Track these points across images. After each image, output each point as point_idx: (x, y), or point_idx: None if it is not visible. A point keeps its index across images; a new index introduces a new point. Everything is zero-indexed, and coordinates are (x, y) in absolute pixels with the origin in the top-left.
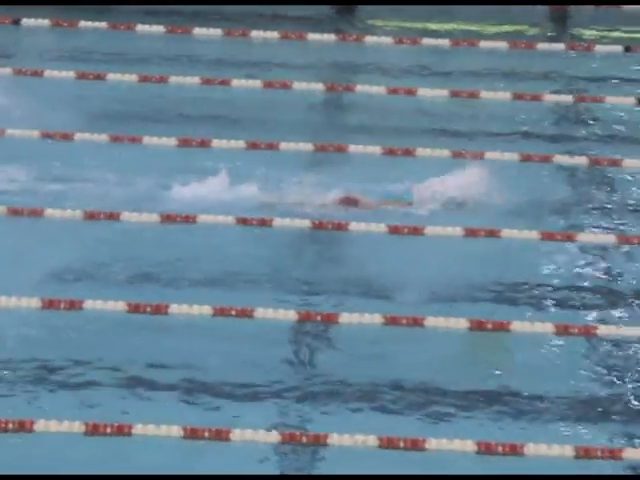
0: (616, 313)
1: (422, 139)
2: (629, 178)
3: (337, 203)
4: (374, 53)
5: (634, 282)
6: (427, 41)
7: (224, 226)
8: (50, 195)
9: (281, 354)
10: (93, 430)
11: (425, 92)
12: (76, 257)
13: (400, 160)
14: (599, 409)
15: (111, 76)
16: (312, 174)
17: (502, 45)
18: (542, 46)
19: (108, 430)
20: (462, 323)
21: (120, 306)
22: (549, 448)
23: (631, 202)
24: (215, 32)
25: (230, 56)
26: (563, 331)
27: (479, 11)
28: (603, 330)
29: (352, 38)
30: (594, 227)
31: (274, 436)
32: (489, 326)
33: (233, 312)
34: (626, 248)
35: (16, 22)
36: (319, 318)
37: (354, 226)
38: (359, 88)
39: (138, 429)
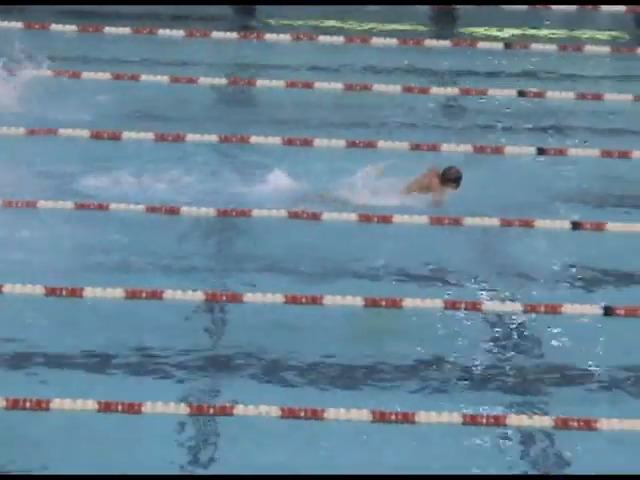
0: (501, 290)
1: (319, 130)
2: (510, 163)
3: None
4: (273, 50)
5: (514, 260)
6: (323, 38)
7: (135, 212)
8: None
9: (189, 332)
10: None
11: (321, 85)
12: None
13: (299, 149)
14: (484, 378)
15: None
16: (218, 164)
17: (392, 42)
18: (429, 43)
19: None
20: (358, 301)
21: None
22: (439, 416)
23: (512, 183)
24: (124, 31)
25: (139, 53)
26: (451, 306)
27: (371, 11)
28: (488, 305)
29: (253, 36)
30: (476, 212)
31: (183, 408)
32: (383, 303)
33: (144, 294)
34: (506, 230)
35: None
36: (224, 298)
37: (256, 212)
38: (260, 82)
39: (56, 403)
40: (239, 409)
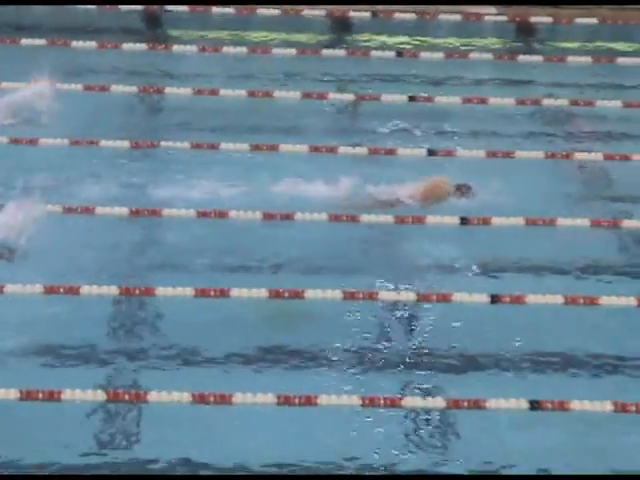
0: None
1: (224, 134)
2: (403, 164)
3: None
4: (181, 59)
5: (408, 252)
6: (227, 49)
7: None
8: None
9: (105, 323)
10: None
11: (226, 92)
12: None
13: (207, 153)
14: (380, 363)
15: None
16: (130, 170)
17: (292, 52)
18: (326, 52)
19: None
20: (263, 292)
21: None
22: (339, 398)
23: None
24: (40, 42)
25: (53, 63)
26: (350, 296)
27: (272, 22)
28: (384, 295)
29: (161, 47)
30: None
31: (100, 395)
32: (286, 294)
33: (61, 290)
34: (400, 226)
35: None
36: (137, 292)
37: (166, 212)
38: (168, 90)
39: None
40: (153, 395)
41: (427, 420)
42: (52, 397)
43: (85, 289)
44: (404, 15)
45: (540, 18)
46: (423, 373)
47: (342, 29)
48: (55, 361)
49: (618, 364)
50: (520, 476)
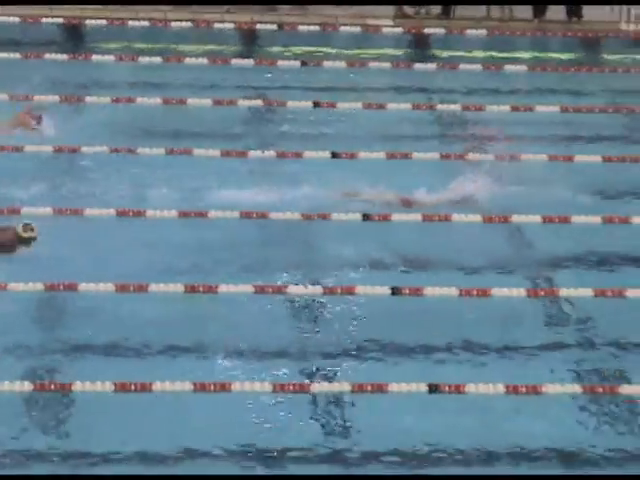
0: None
1: (141, 139)
2: (308, 166)
3: None
4: (100, 69)
5: (315, 249)
6: (142, 59)
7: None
8: None
9: (29, 319)
10: None
11: (142, 100)
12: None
13: (125, 157)
14: (291, 352)
15: None
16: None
17: (204, 62)
18: (235, 62)
19: None
20: (179, 287)
21: None
22: (252, 384)
23: (311, 183)
24: None
25: None
26: (260, 291)
27: (184, 34)
28: (293, 289)
29: (81, 57)
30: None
31: (27, 386)
32: (200, 289)
33: None
34: (309, 223)
35: None
36: (61, 287)
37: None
38: (88, 99)
39: None
40: (77, 386)
41: (333, 403)
42: None
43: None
44: (308, 27)
45: (434, 30)
46: (330, 360)
47: (250, 40)
48: None
49: (508, 350)
50: (520, 476)
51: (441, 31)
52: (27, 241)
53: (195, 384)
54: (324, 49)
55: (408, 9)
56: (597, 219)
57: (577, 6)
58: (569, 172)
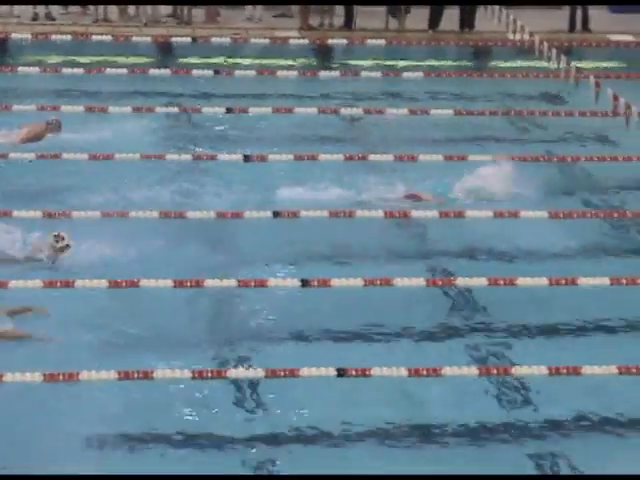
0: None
1: (68, 146)
2: (223, 167)
3: None
4: (25, 80)
5: (229, 247)
6: (65, 70)
7: None
8: None
9: None
10: None
11: (66, 108)
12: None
13: (51, 163)
14: (204, 339)
15: None
16: None
17: (123, 72)
18: (153, 72)
19: None
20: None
21: None
22: (172, 372)
23: (225, 184)
24: None
25: None
26: (180, 285)
27: (105, 46)
28: (209, 282)
29: (8, 69)
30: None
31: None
32: (123, 284)
33: None
34: (223, 220)
35: None
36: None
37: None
38: (15, 108)
39: None
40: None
41: (250, 387)
42: None
43: None
44: (220, 39)
45: (336, 40)
46: (245, 347)
47: (167, 52)
48: None
49: (409, 334)
50: (520, 476)
51: (343, 42)
52: (62, 250)
53: (119, 373)
54: (235, 59)
55: (313, 21)
56: (489, 213)
57: (470, 17)
58: (463, 170)
